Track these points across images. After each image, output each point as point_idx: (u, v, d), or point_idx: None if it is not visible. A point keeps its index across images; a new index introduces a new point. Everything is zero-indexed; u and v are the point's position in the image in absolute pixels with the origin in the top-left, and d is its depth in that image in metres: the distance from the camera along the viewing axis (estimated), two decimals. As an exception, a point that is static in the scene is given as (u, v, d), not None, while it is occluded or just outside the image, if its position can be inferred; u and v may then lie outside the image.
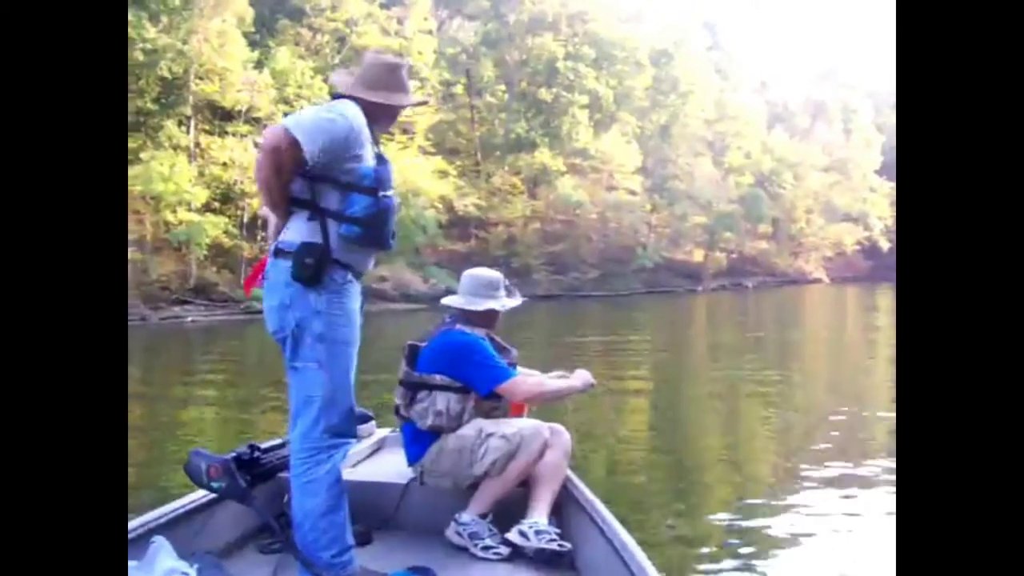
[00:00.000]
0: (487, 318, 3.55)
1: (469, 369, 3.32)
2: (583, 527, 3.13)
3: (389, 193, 2.81)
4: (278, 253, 2.76)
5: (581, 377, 3.54)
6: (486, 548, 3.15)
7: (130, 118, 33.62)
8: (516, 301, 3.64)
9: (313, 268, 2.65)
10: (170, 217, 30.75)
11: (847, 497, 5.59)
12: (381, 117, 2.99)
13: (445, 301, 3.64)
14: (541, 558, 3.04)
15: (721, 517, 5.49)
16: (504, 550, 3.13)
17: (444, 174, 43.28)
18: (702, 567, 4.56)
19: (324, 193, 2.70)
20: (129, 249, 29.57)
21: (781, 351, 17.08)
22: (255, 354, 17.24)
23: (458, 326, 3.49)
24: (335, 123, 2.67)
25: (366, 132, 2.80)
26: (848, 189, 71.60)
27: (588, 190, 50.84)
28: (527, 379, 3.47)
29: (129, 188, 29.28)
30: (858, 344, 18.11)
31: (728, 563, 4.58)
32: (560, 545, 3.06)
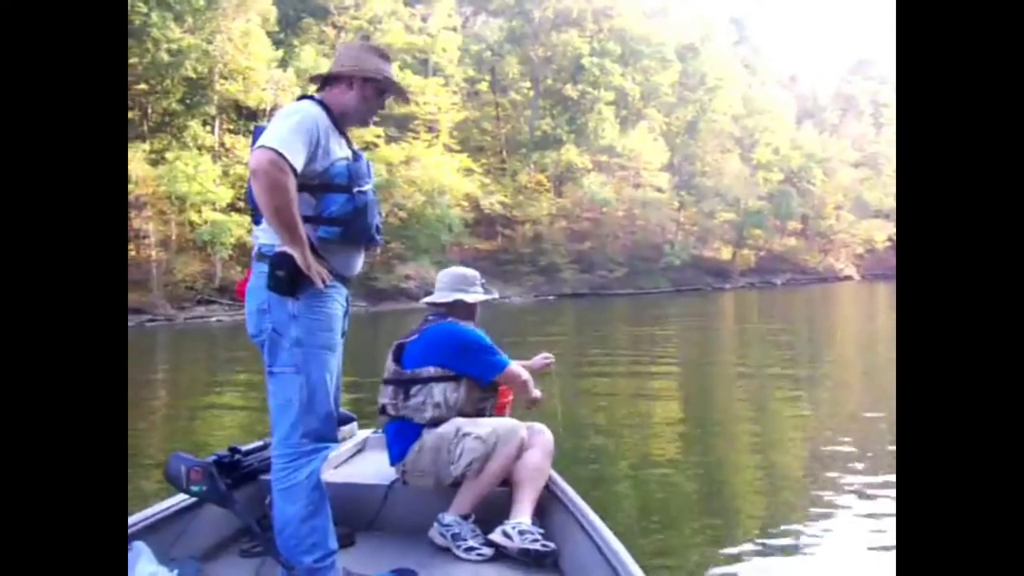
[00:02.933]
0: (467, 314, 3.61)
1: (472, 358, 3.39)
2: (567, 527, 3.10)
3: (365, 188, 2.76)
4: (260, 257, 2.70)
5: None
6: (469, 549, 3.12)
7: (155, 118, 33.94)
8: (492, 295, 3.81)
9: (286, 281, 2.59)
10: (195, 217, 30.81)
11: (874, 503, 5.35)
12: (353, 105, 2.85)
13: (426, 301, 3.72)
14: (525, 558, 3.00)
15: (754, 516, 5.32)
16: (487, 551, 3.09)
17: (469, 172, 43.23)
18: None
19: (299, 198, 2.60)
20: (154, 249, 29.77)
21: (811, 348, 16.67)
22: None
23: (450, 318, 3.54)
24: (302, 123, 2.62)
25: (328, 126, 2.73)
26: (879, 184, 70.67)
27: (615, 187, 50.64)
28: (519, 370, 3.55)
29: (154, 188, 29.45)
30: (889, 341, 17.61)
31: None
32: (544, 545, 3.02)
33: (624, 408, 9.54)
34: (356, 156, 2.80)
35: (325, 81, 2.87)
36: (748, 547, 4.68)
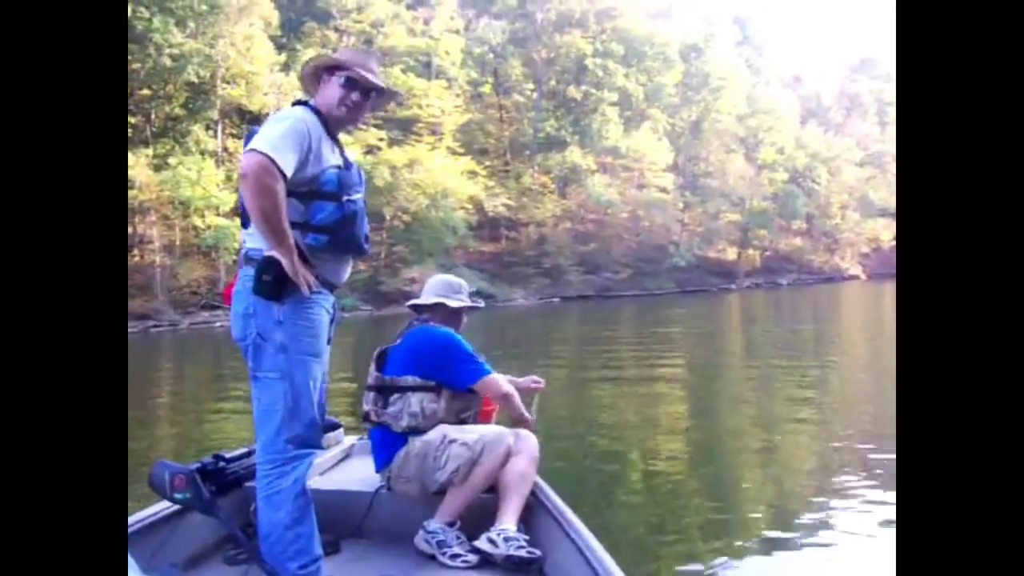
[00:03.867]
0: (450, 320, 3.61)
1: (451, 363, 3.39)
2: (552, 533, 3.11)
3: (355, 197, 2.76)
4: (247, 260, 2.69)
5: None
6: (454, 556, 3.12)
7: (158, 123, 33.90)
8: (477, 304, 3.78)
9: (272, 285, 2.59)
10: (198, 222, 30.74)
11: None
12: (334, 100, 2.82)
13: (409, 304, 3.75)
14: (510, 565, 3.00)
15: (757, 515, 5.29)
16: (472, 558, 3.09)
17: (473, 174, 43.10)
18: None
19: (288, 204, 2.59)
20: (158, 254, 29.72)
21: (816, 348, 16.58)
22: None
23: (431, 323, 3.56)
24: (294, 128, 2.60)
25: (321, 133, 2.72)
26: (884, 183, 70.29)
27: (619, 189, 50.52)
28: (501, 380, 3.52)
29: (158, 193, 29.39)
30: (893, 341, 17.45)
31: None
32: (529, 552, 3.02)
33: (630, 408, 9.50)
34: (347, 164, 2.80)
35: (314, 83, 2.88)
36: (753, 546, 4.71)
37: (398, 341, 3.53)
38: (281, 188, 2.50)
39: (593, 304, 39.28)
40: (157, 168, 30.46)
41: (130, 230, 31.02)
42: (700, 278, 52.08)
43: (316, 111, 2.75)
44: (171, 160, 30.75)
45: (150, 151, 31.32)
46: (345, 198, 2.71)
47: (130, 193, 28.84)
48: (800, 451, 7.28)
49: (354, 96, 2.80)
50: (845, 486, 5.78)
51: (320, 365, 2.77)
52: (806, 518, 5.15)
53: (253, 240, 2.68)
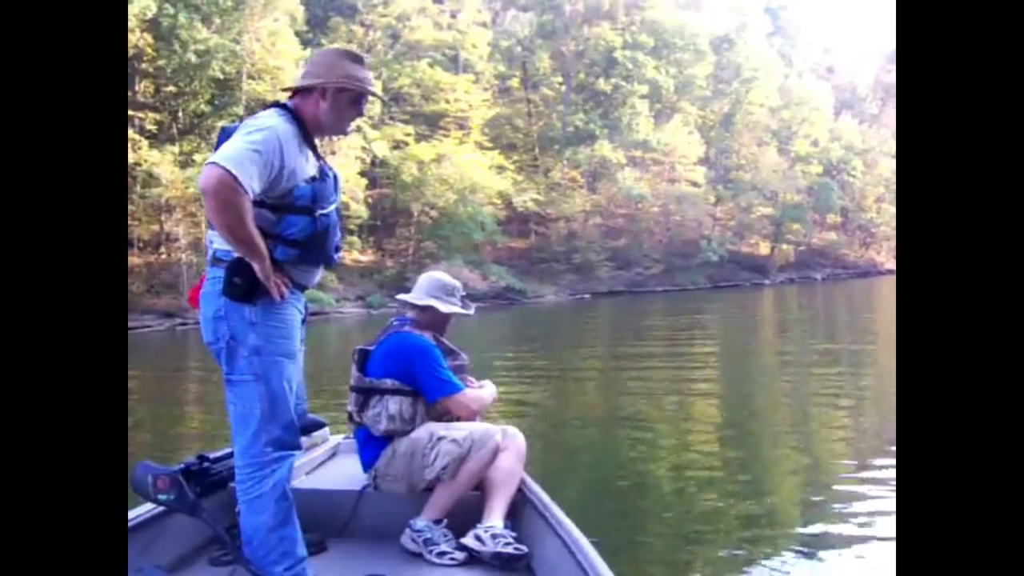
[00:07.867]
0: (437, 322, 3.59)
1: (421, 373, 3.38)
2: (539, 529, 3.13)
3: (328, 210, 2.69)
4: (216, 261, 2.63)
5: (491, 391, 3.71)
6: (441, 554, 3.13)
7: (184, 120, 33.97)
8: (467, 310, 3.70)
9: (242, 288, 2.54)
10: (225, 219, 30.65)
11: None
12: (325, 117, 2.71)
13: (400, 297, 3.74)
14: (498, 562, 3.01)
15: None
16: (460, 555, 3.10)
17: (501, 169, 42.85)
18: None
19: (258, 213, 2.51)
20: (184, 252, 29.62)
21: (853, 344, 16.23)
22: (312, 355, 17.00)
23: (407, 328, 3.52)
24: (263, 143, 2.47)
25: (296, 141, 2.60)
26: (921, 175, 69.12)
27: (650, 183, 49.93)
28: (471, 398, 3.51)
29: (185, 190, 29.34)
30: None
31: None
32: (516, 548, 3.02)
33: (661, 405, 9.44)
34: (323, 174, 2.70)
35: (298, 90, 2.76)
36: (786, 543, 4.70)
37: (379, 341, 3.51)
38: (246, 202, 2.39)
39: (624, 300, 38.85)
40: (183, 165, 30.39)
41: (156, 228, 31.08)
42: (732, 273, 51.47)
43: (295, 115, 2.64)
44: (197, 157, 30.67)
45: (176, 148, 31.32)
46: (319, 212, 2.63)
47: (156, 190, 28.93)
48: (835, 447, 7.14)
49: (355, 108, 2.76)
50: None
51: (294, 366, 2.73)
52: (838, 520, 5.08)
53: (221, 241, 2.59)
